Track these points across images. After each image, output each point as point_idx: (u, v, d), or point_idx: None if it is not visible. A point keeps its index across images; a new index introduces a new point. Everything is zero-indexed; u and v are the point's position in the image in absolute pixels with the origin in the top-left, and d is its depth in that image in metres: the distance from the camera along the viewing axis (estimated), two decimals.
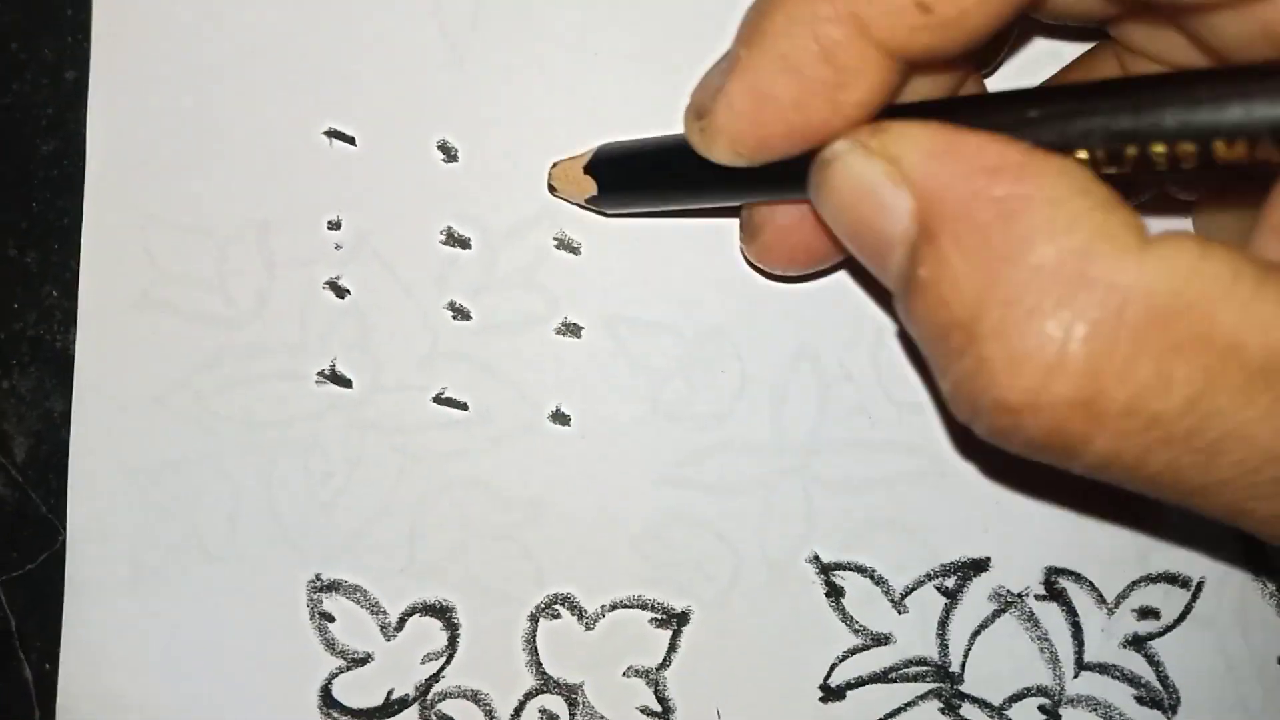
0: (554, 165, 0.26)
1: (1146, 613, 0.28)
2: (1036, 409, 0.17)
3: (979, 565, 0.28)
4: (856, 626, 0.28)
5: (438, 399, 0.27)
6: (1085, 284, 0.16)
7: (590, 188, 0.25)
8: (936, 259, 0.17)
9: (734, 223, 0.27)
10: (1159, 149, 0.17)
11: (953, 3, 0.17)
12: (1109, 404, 0.16)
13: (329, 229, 0.27)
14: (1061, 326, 0.16)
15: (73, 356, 0.27)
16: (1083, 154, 0.17)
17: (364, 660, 0.27)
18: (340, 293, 0.27)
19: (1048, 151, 0.17)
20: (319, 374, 0.27)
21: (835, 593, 0.28)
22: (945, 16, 0.17)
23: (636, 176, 0.24)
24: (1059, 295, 0.16)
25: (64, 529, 0.27)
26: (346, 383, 0.27)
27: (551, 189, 0.26)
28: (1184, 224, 0.25)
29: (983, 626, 0.28)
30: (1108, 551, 0.28)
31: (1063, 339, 0.16)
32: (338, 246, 0.27)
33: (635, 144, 0.24)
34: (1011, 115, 0.18)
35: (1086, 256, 0.16)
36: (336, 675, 0.27)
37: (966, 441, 0.27)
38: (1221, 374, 0.16)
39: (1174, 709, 0.28)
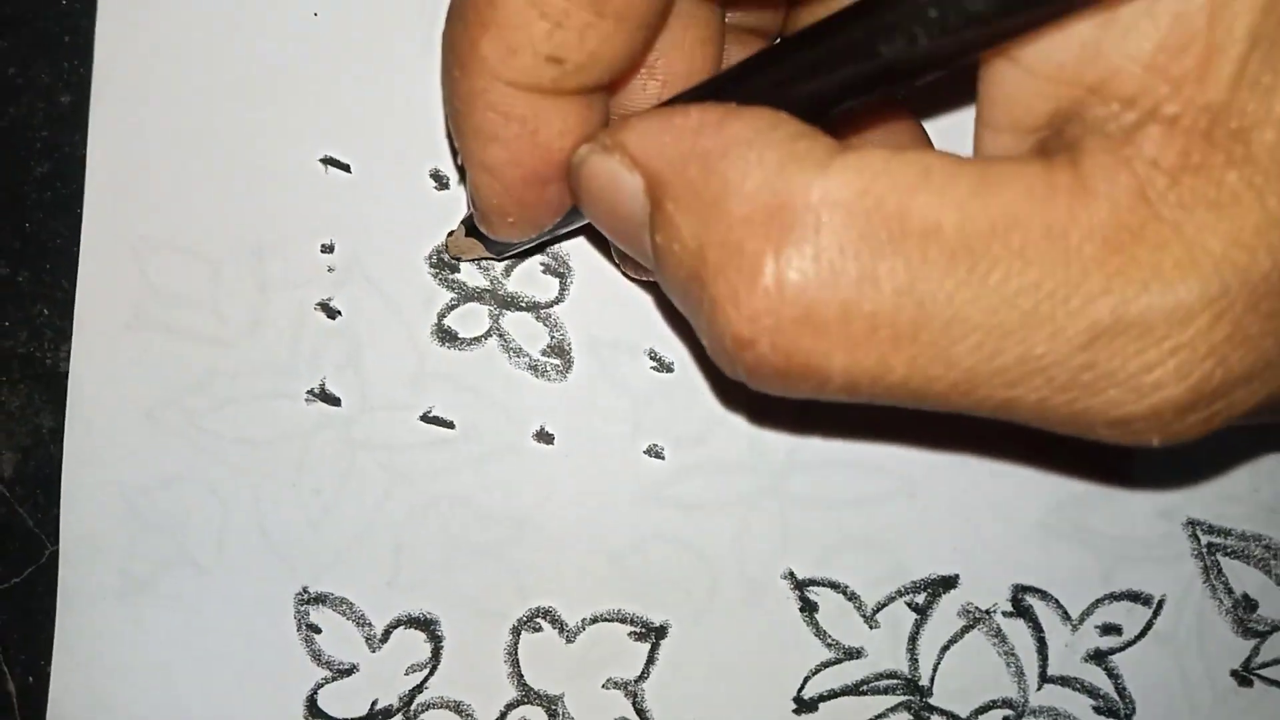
0: (448, 237, 0.27)
1: (1109, 629, 0.29)
2: (768, 334, 0.17)
3: (948, 582, 0.29)
4: (829, 641, 0.29)
5: (425, 418, 0.28)
6: (781, 209, 0.17)
7: (479, 247, 0.26)
8: (664, 221, 0.19)
9: None
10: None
11: (580, 49, 0.19)
12: (826, 311, 0.17)
13: (322, 252, 0.27)
14: (770, 253, 0.17)
15: (62, 374, 0.27)
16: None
17: (349, 671, 0.28)
18: (331, 314, 0.27)
19: (748, 106, 0.19)
20: (309, 393, 0.27)
21: (809, 608, 0.29)
22: (577, 63, 0.19)
23: None
24: (762, 224, 0.17)
25: (50, 544, 0.27)
26: (336, 401, 0.27)
27: (456, 258, 0.27)
28: None
29: (952, 641, 0.29)
30: (1073, 570, 0.29)
31: (774, 264, 0.17)
32: (330, 269, 0.27)
33: None
34: (731, 82, 0.20)
35: (779, 182, 0.17)
36: (322, 685, 0.28)
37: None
38: (923, 259, 0.17)
39: (1129, 718, 0.29)
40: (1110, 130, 0.17)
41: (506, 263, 0.27)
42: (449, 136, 0.26)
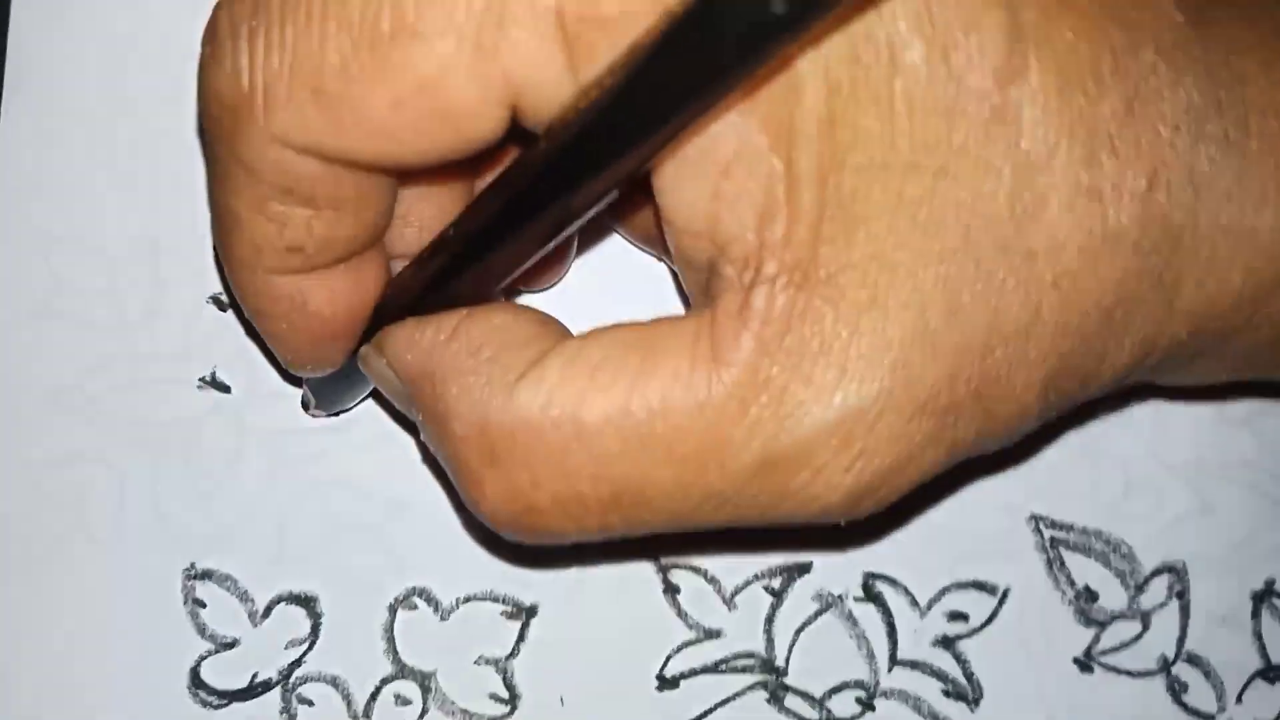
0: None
1: (956, 616, 0.31)
2: (509, 522, 0.22)
3: (803, 568, 0.31)
4: (690, 622, 0.30)
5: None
6: (485, 431, 0.21)
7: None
8: (420, 424, 0.23)
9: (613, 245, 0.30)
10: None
11: (312, 238, 0.22)
12: (542, 503, 0.21)
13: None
14: (486, 468, 0.21)
15: None
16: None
17: (231, 645, 0.29)
18: (223, 307, 0.30)
19: (481, 308, 0.22)
20: (201, 380, 0.29)
21: (672, 590, 0.30)
22: (315, 248, 0.22)
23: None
24: (476, 445, 0.21)
25: None
26: (226, 389, 0.30)
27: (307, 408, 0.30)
28: None
29: (806, 624, 0.31)
30: (921, 560, 0.31)
31: (492, 478, 0.21)
32: None
33: None
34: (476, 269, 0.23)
35: (481, 408, 0.21)
36: (205, 658, 0.29)
37: None
38: (604, 450, 0.20)
39: (977, 702, 0.31)
40: (735, 289, 0.20)
41: None
42: None
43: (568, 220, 0.21)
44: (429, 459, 0.29)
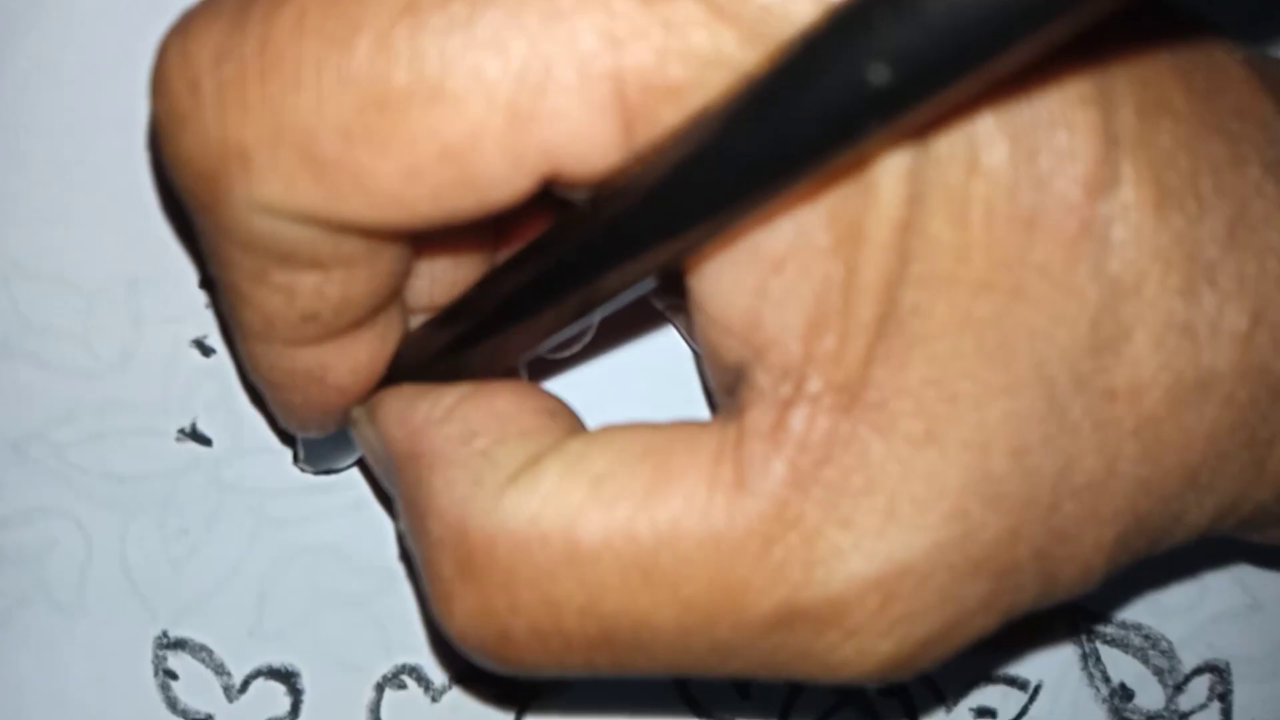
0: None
1: (984, 712, 0.29)
2: (478, 646, 0.19)
3: None
4: (702, 709, 0.28)
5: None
6: (463, 539, 0.18)
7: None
8: (399, 514, 0.20)
9: None
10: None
11: (326, 303, 0.19)
12: (518, 633, 0.18)
13: (200, 287, 0.27)
14: (458, 581, 0.18)
15: None
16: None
17: None
18: (206, 351, 0.27)
19: (486, 387, 0.20)
20: (179, 431, 0.27)
21: (683, 678, 0.28)
22: (332, 312, 0.19)
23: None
24: (451, 552, 0.18)
25: None
26: (206, 441, 0.27)
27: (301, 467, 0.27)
28: None
29: (824, 716, 0.29)
30: None
31: (463, 594, 0.18)
32: (208, 305, 0.27)
33: None
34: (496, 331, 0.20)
35: (462, 510, 0.18)
36: None
37: None
38: (598, 579, 0.17)
39: None
40: (769, 403, 0.17)
41: None
42: None
43: (600, 301, 0.19)
44: (404, 553, 0.27)
